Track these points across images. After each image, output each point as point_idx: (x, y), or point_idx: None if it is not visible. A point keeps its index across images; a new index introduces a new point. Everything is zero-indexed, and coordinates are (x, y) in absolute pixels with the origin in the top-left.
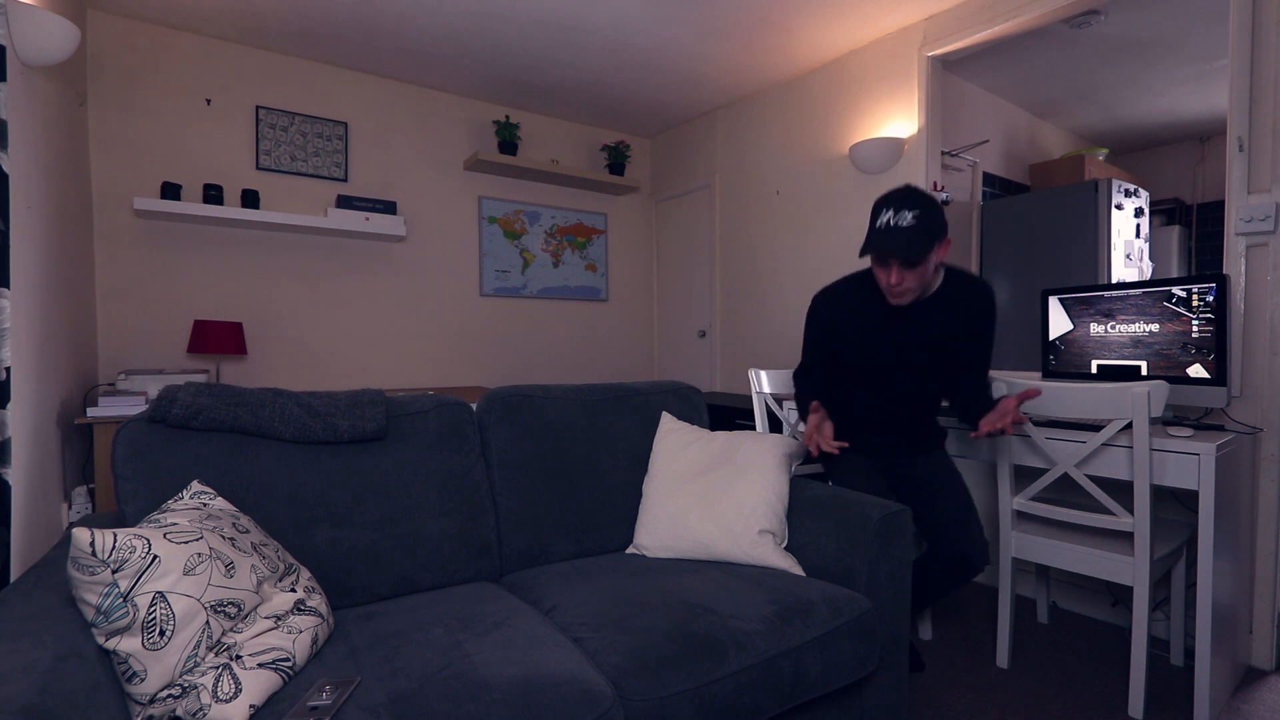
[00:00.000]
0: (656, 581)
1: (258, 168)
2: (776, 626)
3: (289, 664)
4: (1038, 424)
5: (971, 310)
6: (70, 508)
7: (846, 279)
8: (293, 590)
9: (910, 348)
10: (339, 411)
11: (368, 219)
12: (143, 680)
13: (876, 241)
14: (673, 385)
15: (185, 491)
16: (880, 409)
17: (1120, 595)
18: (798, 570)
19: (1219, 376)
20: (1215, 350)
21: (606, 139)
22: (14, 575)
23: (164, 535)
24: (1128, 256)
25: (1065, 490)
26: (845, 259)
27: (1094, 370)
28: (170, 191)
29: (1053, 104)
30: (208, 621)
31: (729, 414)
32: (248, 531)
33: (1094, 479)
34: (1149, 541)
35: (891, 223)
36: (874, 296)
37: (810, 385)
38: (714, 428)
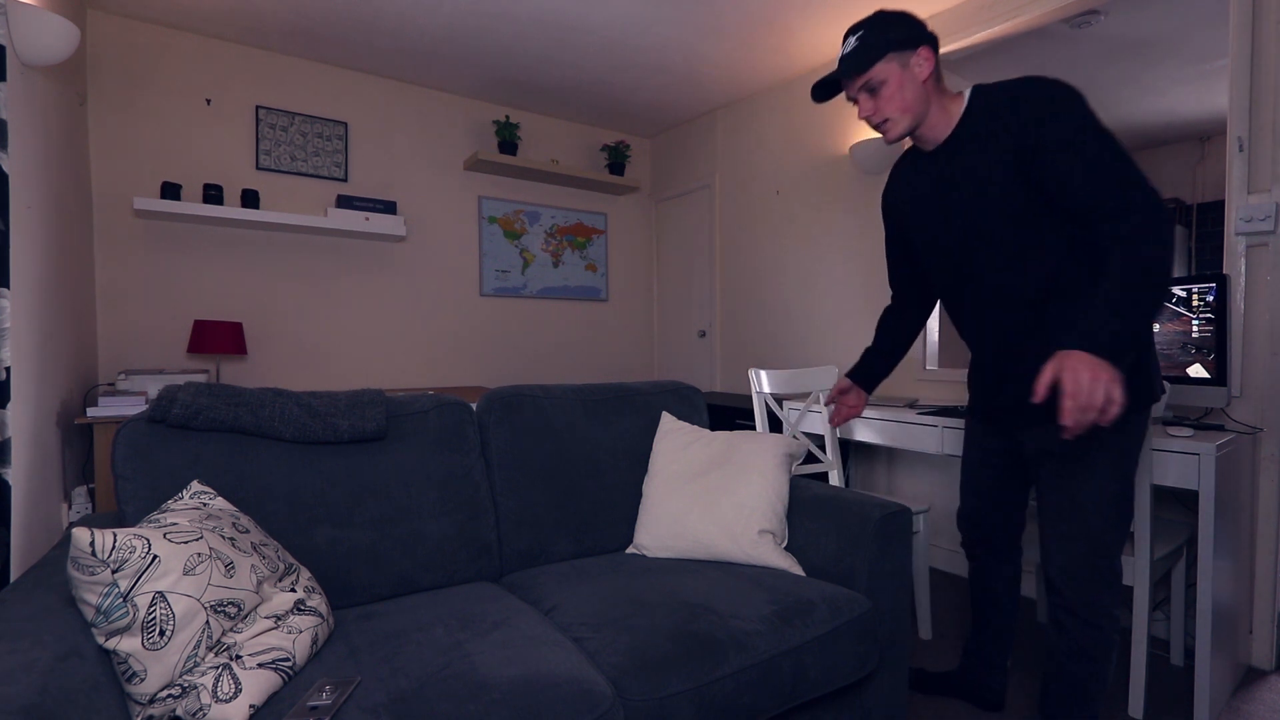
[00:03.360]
0: (656, 581)
1: (258, 168)
2: (776, 626)
3: (289, 664)
4: None
5: (1016, 116)
6: (70, 508)
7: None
8: (293, 590)
9: (960, 203)
10: (339, 411)
11: (368, 219)
12: (143, 680)
13: (833, 73)
14: (673, 385)
15: (185, 491)
16: (979, 330)
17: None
18: (798, 570)
19: (1219, 376)
20: (1215, 350)
21: (606, 139)
22: (14, 575)
23: (164, 535)
24: None
25: None
26: (846, 259)
27: None
28: (170, 191)
29: None
30: (208, 621)
31: (729, 414)
32: (248, 531)
33: None
34: (1149, 541)
35: (843, 50)
36: (918, 158)
37: (883, 323)
38: (714, 428)
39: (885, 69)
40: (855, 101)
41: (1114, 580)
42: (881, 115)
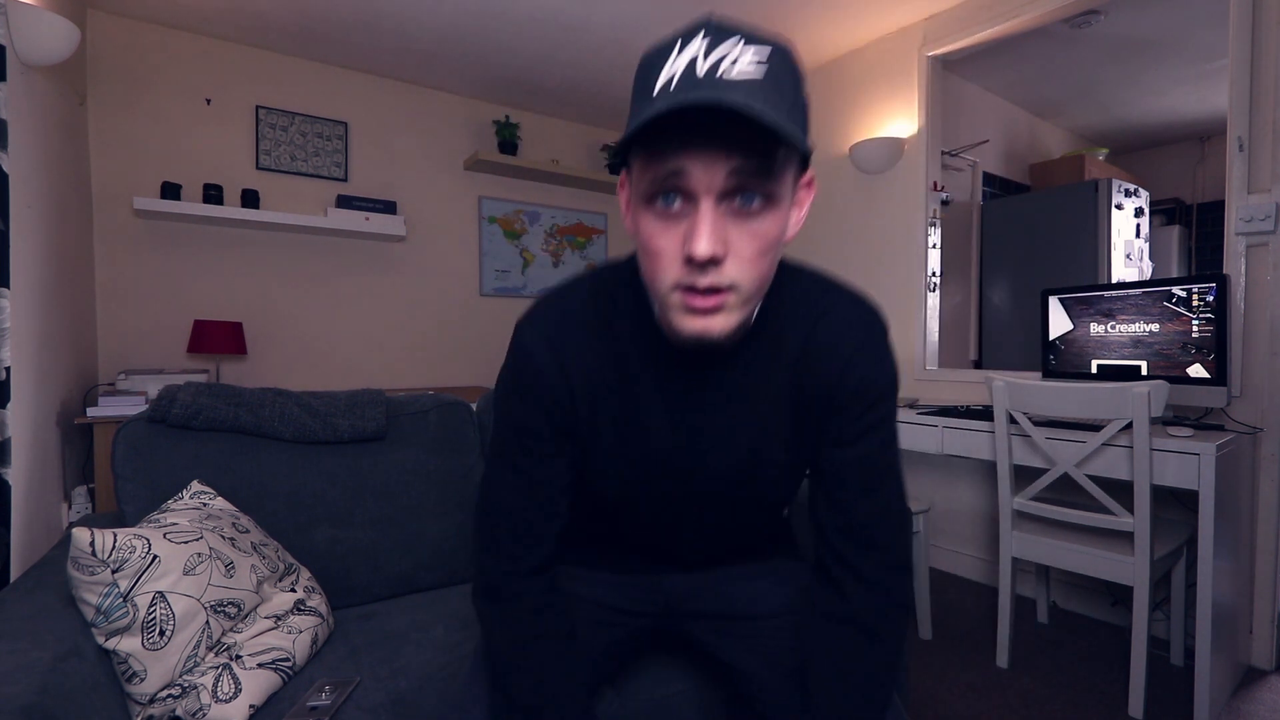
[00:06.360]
0: None
1: (258, 167)
2: None
3: (289, 664)
4: (1038, 424)
5: (844, 373)
6: (70, 508)
7: (560, 301)
8: (293, 590)
9: (714, 458)
10: (339, 411)
11: (368, 219)
12: (143, 680)
13: (668, 101)
14: None
15: (185, 491)
16: (661, 535)
17: (1120, 595)
18: None
19: (1219, 376)
20: (1215, 350)
21: (606, 139)
22: (14, 575)
23: (164, 535)
24: (1128, 256)
25: (1065, 490)
26: (846, 259)
27: (1094, 370)
28: (170, 191)
29: (1053, 104)
30: (208, 621)
31: None
32: (248, 531)
33: (1094, 479)
34: (1149, 541)
35: (706, 64)
36: (628, 340)
37: (526, 641)
38: None
39: (785, 174)
40: (672, 192)
41: None
42: (731, 277)
